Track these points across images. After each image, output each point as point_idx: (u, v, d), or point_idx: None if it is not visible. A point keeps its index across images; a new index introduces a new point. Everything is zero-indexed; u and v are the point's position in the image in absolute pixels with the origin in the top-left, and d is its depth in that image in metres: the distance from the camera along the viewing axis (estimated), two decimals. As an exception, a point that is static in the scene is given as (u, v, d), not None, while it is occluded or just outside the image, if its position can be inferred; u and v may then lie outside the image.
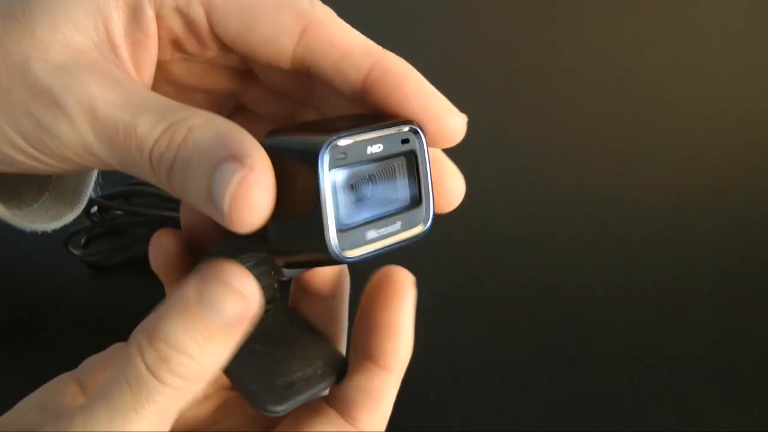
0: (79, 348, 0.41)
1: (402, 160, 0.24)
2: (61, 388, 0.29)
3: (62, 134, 0.23)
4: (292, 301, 0.31)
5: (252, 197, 0.21)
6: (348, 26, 0.25)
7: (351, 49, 0.25)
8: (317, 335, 0.29)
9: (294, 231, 0.23)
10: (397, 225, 0.24)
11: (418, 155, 0.24)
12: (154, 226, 0.44)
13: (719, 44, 0.65)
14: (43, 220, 0.34)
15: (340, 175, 0.23)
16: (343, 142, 0.22)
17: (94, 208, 0.45)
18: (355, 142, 0.23)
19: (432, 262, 0.45)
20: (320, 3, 0.25)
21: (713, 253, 0.47)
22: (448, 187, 0.26)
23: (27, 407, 0.28)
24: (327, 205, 0.22)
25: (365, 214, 0.24)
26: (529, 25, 0.66)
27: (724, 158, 0.54)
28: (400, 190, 0.24)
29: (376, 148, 0.23)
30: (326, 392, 0.28)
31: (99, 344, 0.40)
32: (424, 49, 0.62)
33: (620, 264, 0.46)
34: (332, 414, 0.28)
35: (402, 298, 0.26)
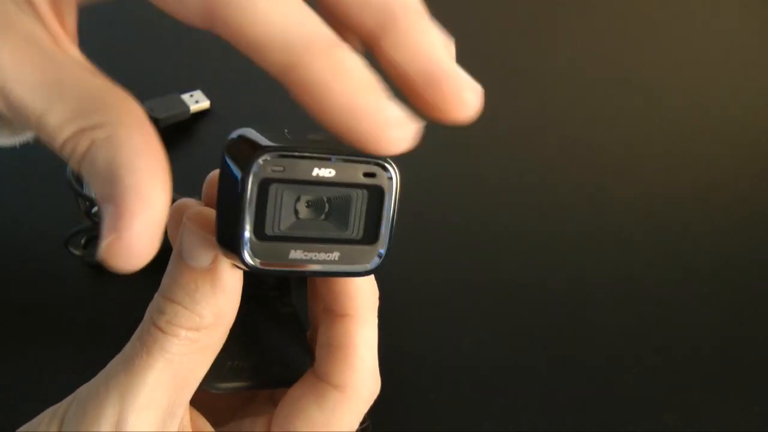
0: (80, 348, 0.41)
1: (363, 192, 0.24)
2: None
3: None
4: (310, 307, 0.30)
5: (116, 261, 0.20)
6: (267, 5, 0.21)
7: (262, 45, 0.20)
8: (299, 337, 0.29)
9: (226, 230, 0.23)
10: (334, 255, 0.24)
11: (385, 193, 0.24)
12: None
13: (719, 44, 0.65)
14: (3, 136, 0.32)
15: (278, 188, 0.23)
16: (280, 155, 0.22)
17: (95, 209, 0.45)
18: (297, 160, 0.22)
19: (432, 262, 0.45)
20: None
21: (713, 253, 0.47)
22: (461, 97, 0.23)
23: None
24: (245, 210, 0.22)
25: (298, 233, 0.23)
26: (529, 25, 0.66)
27: (724, 158, 0.54)
28: (353, 223, 0.24)
29: (325, 172, 0.23)
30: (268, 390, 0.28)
31: (100, 344, 0.41)
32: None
33: (620, 264, 0.46)
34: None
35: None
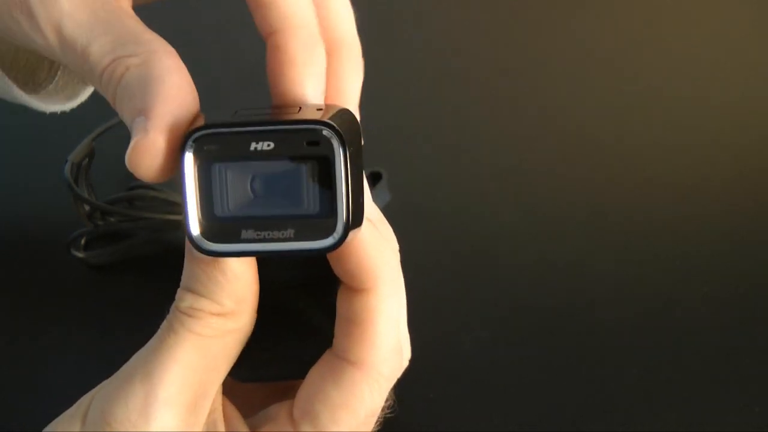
0: (82, 349, 0.41)
1: (312, 164, 0.22)
2: None
3: (37, 42, 0.25)
4: None
5: (139, 160, 0.22)
6: None
7: (267, 3, 0.25)
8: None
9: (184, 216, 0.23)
10: (288, 232, 0.23)
11: (334, 162, 0.22)
12: (157, 229, 0.45)
13: (720, 43, 0.65)
14: (60, 100, 0.37)
15: (221, 167, 0.22)
16: (211, 132, 0.22)
17: (95, 212, 0.45)
18: (232, 135, 0.22)
19: (432, 262, 0.45)
20: None
21: (713, 254, 0.47)
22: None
23: None
24: (187, 192, 0.22)
25: (249, 212, 0.23)
26: (528, 25, 0.66)
27: (725, 157, 0.54)
28: (306, 196, 0.23)
29: (263, 145, 0.22)
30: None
31: (101, 345, 0.41)
32: (423, 50, 0.62)
33: (620, 264, 0.46)
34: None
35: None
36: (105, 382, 0.26)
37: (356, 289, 0.25)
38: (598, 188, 0.51)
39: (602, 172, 0.53)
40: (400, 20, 0.66)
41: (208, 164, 0.22)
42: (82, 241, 0.44)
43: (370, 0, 0.64)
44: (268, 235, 0.23)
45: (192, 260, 0.25)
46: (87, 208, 0.44)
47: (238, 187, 0.23)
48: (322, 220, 0.23)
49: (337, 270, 0.26)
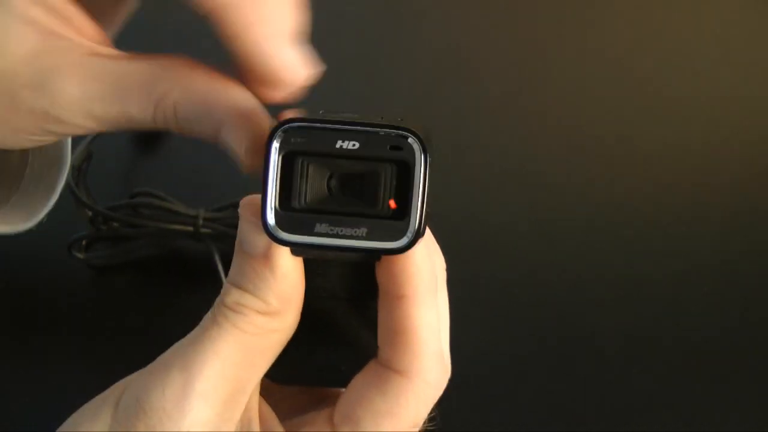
0: (84, 349, 0.41)
1: (391, 166, 0.23)
2: None
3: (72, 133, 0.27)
4: None
5: (253, 157, 0.24)
6: None
7: None
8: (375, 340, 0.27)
9: (261, 204, 0.24)
10: (361, 230, 0.23)
11: (414, 167, 0.23)
12: (159, 237, 0.45)
13: (721, 43, 0.65)
14: (15, 220, 0.35)
15: (305, 160, 0.23)
16: (301, 126, 0.23)
17: (97, 216, 0.45)
18: (320, 131, 0.23)
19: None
20: None
21: (713, 253, 0.47)
22: (281, 57, 0.26)
23: None
24: (269, 181, 0.23)
25: (324, 206, 0.24)
26: (527, 25, 0.66)
27: (726, 157, 0.54)
28: (381, 197, 0.24)
29: (348, 144, 0.23)
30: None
31: (103, 345, 0.41)
32: (423, 50, 0.62)
33: (620, 264, 0.46)
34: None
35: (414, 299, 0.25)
36: (141, 371, 0.26)
37: (396, 296, 0.25)
38: (598, 189, 0.51)
39: (603, 172, 0.52)
40: (398, 21, 0.66)
41: (291, 156, 0.23)
42: (84, 243, 0.45)
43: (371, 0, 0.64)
44: (341, 231, 0.23)
45: (242, 256, 0.25)
46: (90, 213, 0.44)
47: (317, 181, 0.23)
48: (395, 222, 0.23)
49: (382, 274, 0.26)
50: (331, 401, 0.27)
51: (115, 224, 0.45)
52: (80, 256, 0.44)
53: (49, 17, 0.26)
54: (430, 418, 0.27)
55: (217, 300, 0.25)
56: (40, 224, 0.35)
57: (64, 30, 0.26)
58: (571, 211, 0.49)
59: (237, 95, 0.25)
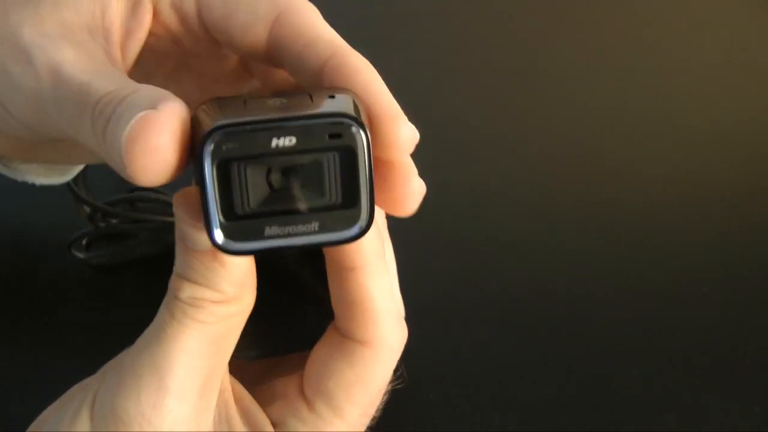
0: (84, 348, 0.41)
1: (333, 155, 0.22)
2: None
3: (24, 85, 0.25)
4: None
5: (148, 138, 0.21)
6: (322, 20, 0.26)
7: (316, 39, 0.25)
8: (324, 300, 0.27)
9: (203, 213, 0.22)
10: (313, 225, 0.22)
11: (357, 152, 0.22)
12: (158, 231, 0.45)
13: (722, 45, 0.65)
14: (53, 174, 0.36)
15: (240, 165, 0.22)
16: (231, 132, 0.21)
17: (96, 213, 0.45)
18: (253, 132, 0.21)
19: (431, 262, 0.45)
20: None
21: (713, 253, 0.47)
22: (404, 190, 0.25)
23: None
24: (209, 192, 0.21)
25: (270, 208, 0.22)
26: (527, 27, 0.66)
27: (723, 159, 0.54)
28: (328, 188, 0.22)
29: (284, 141, 0.21)
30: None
31: (103, 344, 0.41)
32: (423, 51, 0.62)
33: (620, 264, 0.46)
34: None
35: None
36: (103, 376, 0.26)
37: (346, 269, 0.26)
38: (598, 188, 0.51)
39: (603, 171, 0.53)
40: (397, 21, 0.66)
41: (225, 163, 0.21)
42: (84, 242, 0.45)
43: (372, 0, 0.64)
44: (293, 229, 0.22)
45: (186, 251, 0.25)
46: (88, 209, 0.44)
47: (258, 182, 0.22)
48: (346, 210, 0.22)
49: (328, 251, 0.26)
50: (289, 364, 0.29)
51: (114, 221, 0.45)
52: (81, 255, 0.44)
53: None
54: (397, 376, 0.28)
55: (170, 295, 0.25)
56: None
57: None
58: (571, 211, 0.49)
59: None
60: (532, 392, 0.39)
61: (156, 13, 0.27)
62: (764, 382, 0.40)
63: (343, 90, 0.24)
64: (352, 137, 0.22)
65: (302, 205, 0.22)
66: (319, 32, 0.26)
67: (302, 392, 0.27)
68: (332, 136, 0.22)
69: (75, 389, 0.27)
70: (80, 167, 0.40)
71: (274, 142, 0.21)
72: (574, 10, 0.68)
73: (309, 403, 0.27)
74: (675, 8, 0.69)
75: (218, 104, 0.23)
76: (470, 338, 0.41)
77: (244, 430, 0.27)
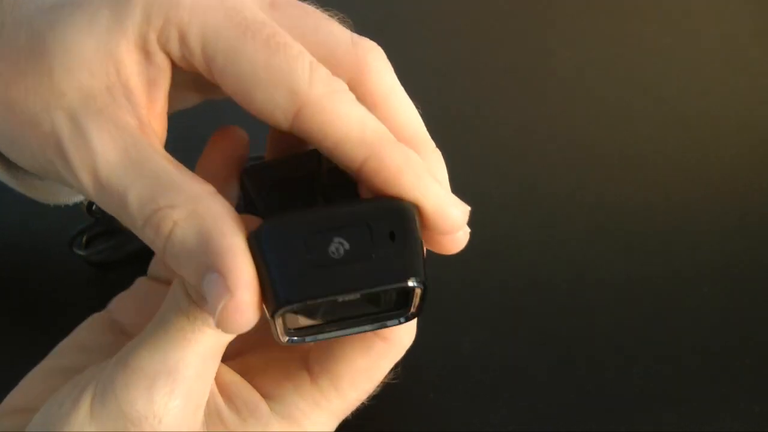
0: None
1: (392, 292, 0.24)
2: (96, 328, 0.32)
3: (71, 182, 0.25)
4: None
5: (233, 319, 0.22)
6: (346, 108, 0.24)
7: (343, 140, 0.24)
8: None
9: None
10: (367, 326, 0.25)
11: (413, 293, 0.24)
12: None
13: (723, 44, 0.65)
14: (58, 192, 0.36)
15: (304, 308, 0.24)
16: (296, 308, 0.23)
17: (94, 205, 0.45)
18: (320, 305, 0.23)
19: (431, 261, 0.45)
20: (322, 80, 0.24)
21: (713, 253, 0.47)
22: (453, 247, 0.27)
23: (66, 349, 0.31)
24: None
25: (329, 318, 0.25)
26: (528, 27, 0.66)
27: (722, 158, 0.54)
28: (384, 301, 0.25)
29: (350, 296, 0.23)
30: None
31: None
32: (423, 51, 0.62)
33: (620, 264, 0.46)
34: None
35: None
36: (103, 372, 0.26)
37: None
38: (598, 189, 0.51)
39: (604, 173, 0.52)
40: (397, 21, 0.65)
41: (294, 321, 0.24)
42: (84, 239, 0.45)
43: (373, 0, 0.64)
44: (346, 323, 0.25)
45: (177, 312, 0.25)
46: (86, 201, 0.44)
47: (323, 310, 0.25)
48: (396, 312, 0.25)
49: None
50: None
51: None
52: (81, 253, 0.44)
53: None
54: (395, 373, 0.29)
55: (181, 294, 0.25)
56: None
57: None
58: (570, 211, 0.49)
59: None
60: (532, 392, 0.39)
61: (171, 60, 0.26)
62: (764, 382, 0.40)
63: (394, 201, 0.25)
64: (413, 289, 0.24)
65: (358, 312, 0.25)
66: (347, 131, 0.24)
67: (306, 367, 0.28)
68: (399, 295, 0.24)
69: (75, 390, 0.27)
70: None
71: (341, 299, 0.23)
72: (574, 10, 0.68)
73: (312, 377, 0.28)
74: (677, 10, 0.68)
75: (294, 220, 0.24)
76: (470, 338, 0.41)
77: (233, 417, 0.27)
